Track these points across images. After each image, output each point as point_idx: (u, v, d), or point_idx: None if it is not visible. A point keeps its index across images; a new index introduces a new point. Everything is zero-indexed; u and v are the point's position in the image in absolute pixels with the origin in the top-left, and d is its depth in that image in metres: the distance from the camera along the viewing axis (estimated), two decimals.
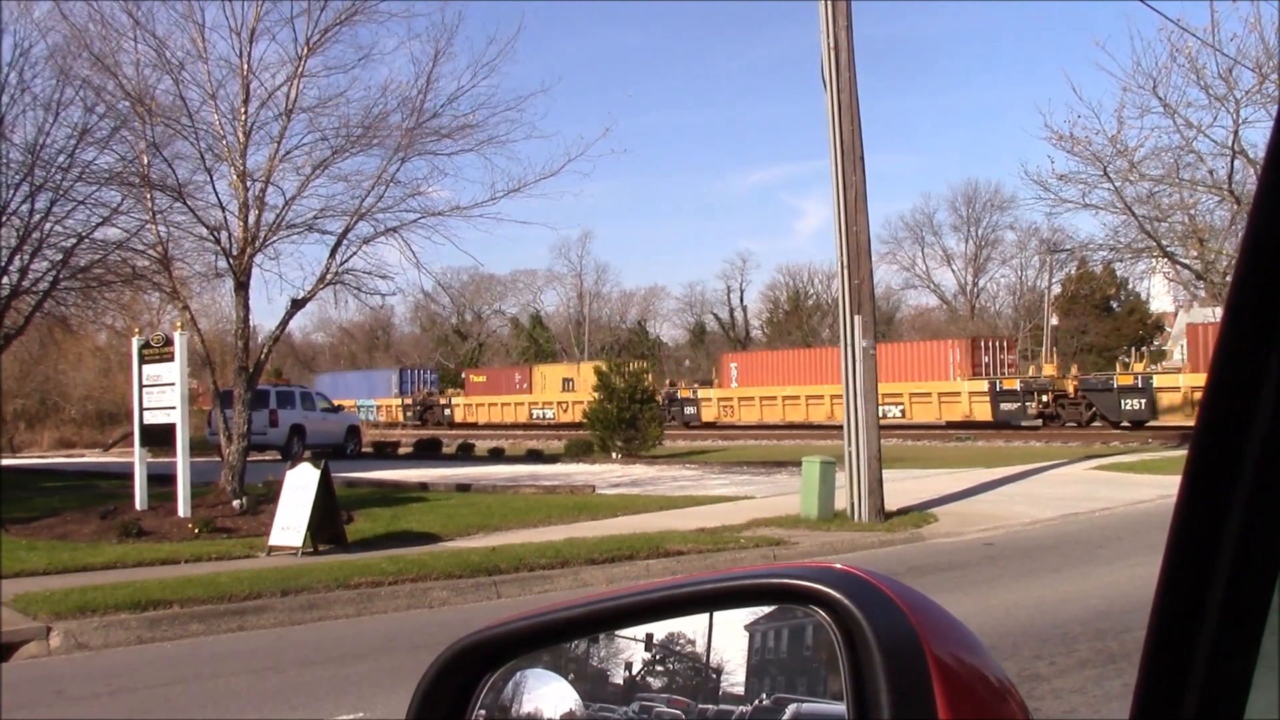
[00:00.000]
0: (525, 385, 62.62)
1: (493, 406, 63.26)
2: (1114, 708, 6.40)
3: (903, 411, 47.59)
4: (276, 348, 23.92)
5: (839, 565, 1.16)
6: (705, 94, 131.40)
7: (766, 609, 1.18)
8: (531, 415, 60.91)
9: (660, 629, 1.26)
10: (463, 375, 71.13)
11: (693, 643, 1.23)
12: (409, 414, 65.81)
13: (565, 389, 60.17)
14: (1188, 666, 0.90)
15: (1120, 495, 18.98)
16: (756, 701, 1.15)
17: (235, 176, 18.55)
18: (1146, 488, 19.56)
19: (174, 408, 17.31)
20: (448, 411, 64.44)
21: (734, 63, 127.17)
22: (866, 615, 1.05)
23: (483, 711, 1.39)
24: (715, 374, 59.57)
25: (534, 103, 22.99)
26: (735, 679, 1.18)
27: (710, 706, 1.18)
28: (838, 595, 1.09)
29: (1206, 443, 0.87)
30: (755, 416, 52.03)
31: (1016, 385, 43.93)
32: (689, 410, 54.21)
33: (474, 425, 61.39)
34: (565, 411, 58.45)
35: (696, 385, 59.36)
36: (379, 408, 68.40)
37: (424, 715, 1.37)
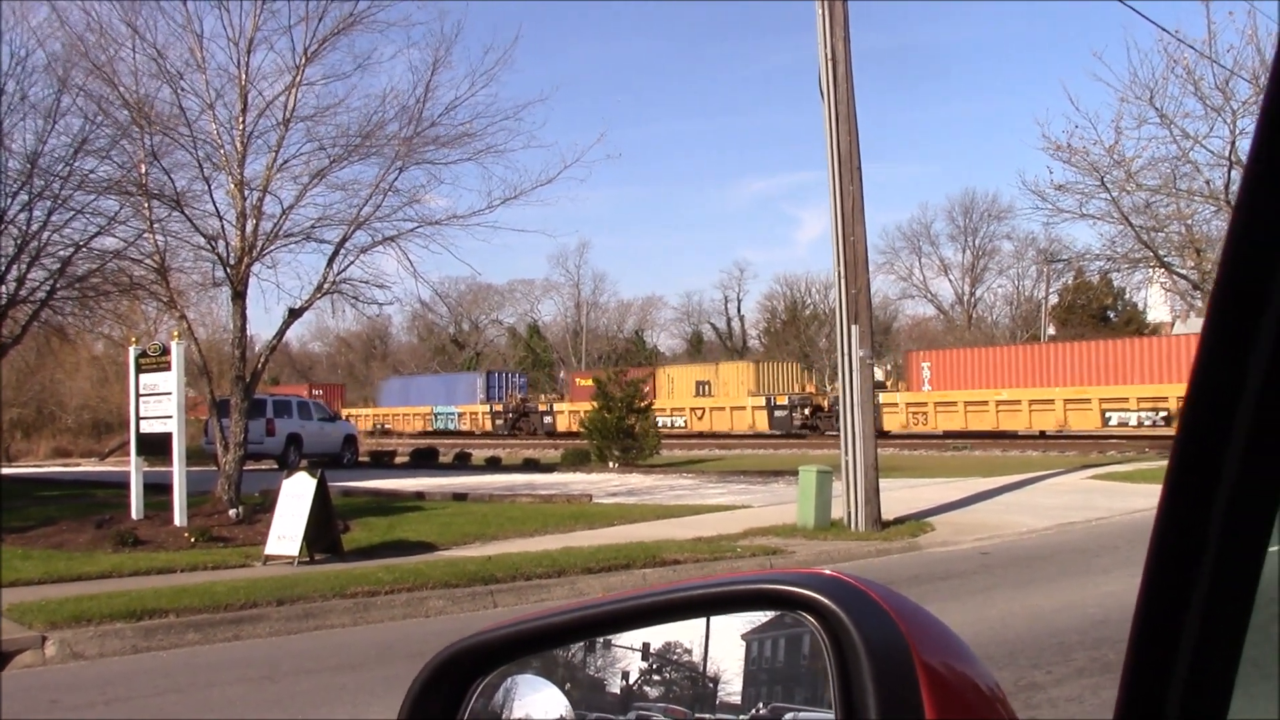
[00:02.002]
0: (651, 391, 56.05)
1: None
2: (1110, 716, 6.38)
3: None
4: (273, 357, 23.89)
5: (828, 571, 1.16)
6: (704, 104, 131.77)
7: (763, 617, 1.18)
8: (657, 424, 55.44)
9: (657, 637, 1.25)
10: (561, 378, 67.38)
11: (689, 651, 1.22)
12: (500, 422, 60.40)
13: (700, 393, 55.82)
14: (1169, 673, 0.90)
15: (1117, 504, 18.98)
16: (754, 711, 1.15)
17: (233, 185, 18.57)
18: (1143, 497, 19.55)
19: (170, 417, 17.28)
20: (548, 419, 58.61)
21: (733, 73, 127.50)
22: (854, 621, 1.05)
23: (472, 717, 1.38)
24: (889, 374, 54.80)
25: (532, 111, 23.19)
26: (732, 688, 1.17)
27: (707, 715, 1.18)
28: (825, 601, 1.08)
29: (1187, 452, 0.87)
30: (957, 424, 44.87)
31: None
32: None
33: (580, 435, 57.18)
34: (700, 419, 54.35)
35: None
36: (461, 415, 63.44)
37: None
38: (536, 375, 78.76)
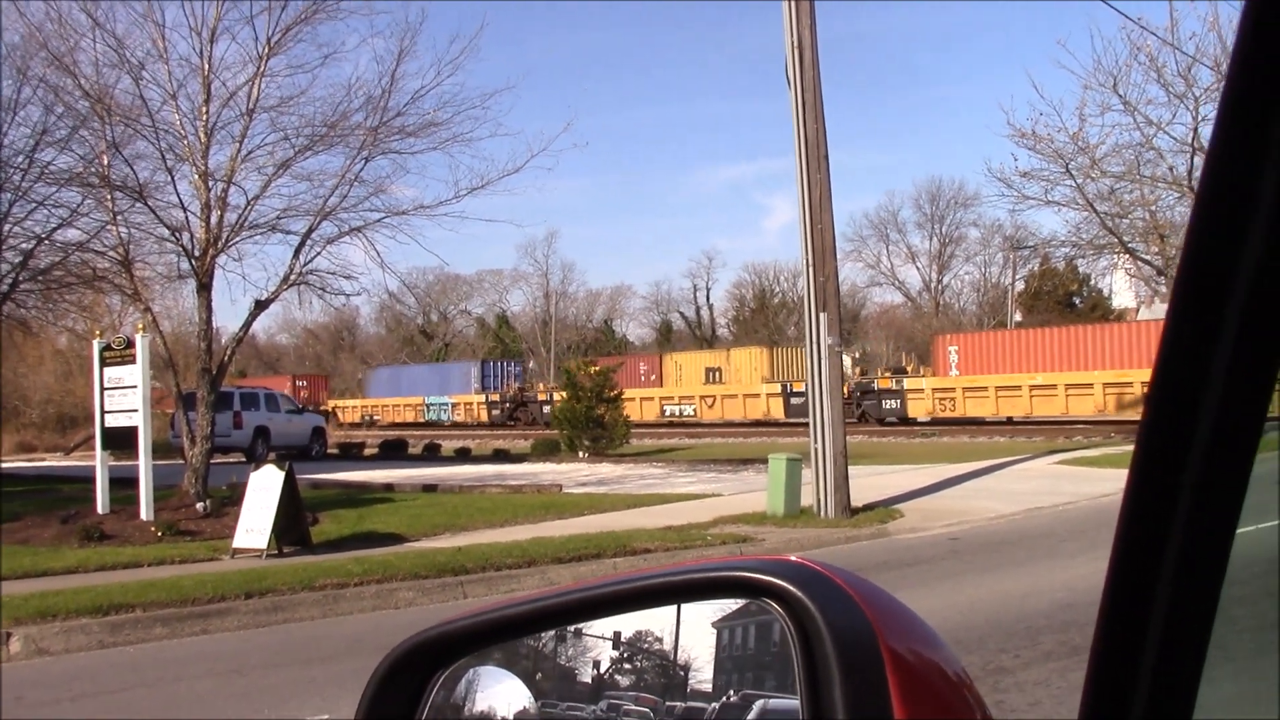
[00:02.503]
0: (654, 378, 55.88)
1: None
2: (1078, 700, 6.44)
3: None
4: (240, 349, 23.73)
5: (795, 558, 1.16)
6: (672, 91, 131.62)
7: (733, 605, 1.18)
8: (664, 412, 53.65)
9: (627, 626, 1.25)
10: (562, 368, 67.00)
11: (660, 640, 1.22)
12: (496, 412, 58.23)
13: (710, 380, 53.69)
14: (1137, 659, 0.90)
15: (1083, 489, 19.14)
16: (725, 699, 1.15)
17: (197, 177, 18.40)
18: (1109, 482, 19.73)
19: (136, 410, 17.15)
20: (547, 409, 54.24)
21: (700, 60, 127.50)
22: (820, 608, 1.05)
23: (433, 714, 1.37)
24: (908, 360, 52.20)
25: (499, 100, 23.08)
26: (703, 676, 1.17)
27: (679, 704, 1.18)
28: (790, 587, 1.08)
29: (1153, 436, 0.87)
30: (988, 409, 43.23)
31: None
32: (889, 404, 45.61)
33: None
34: (711, 407, 52.31)
35: (891, 373, 49.12)
36: (455, 406, 61.42)
37: (373, 715, 1.35)
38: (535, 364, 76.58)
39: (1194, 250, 0.82)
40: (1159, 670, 0.89)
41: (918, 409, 44.73)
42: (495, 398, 59.22)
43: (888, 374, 48.48)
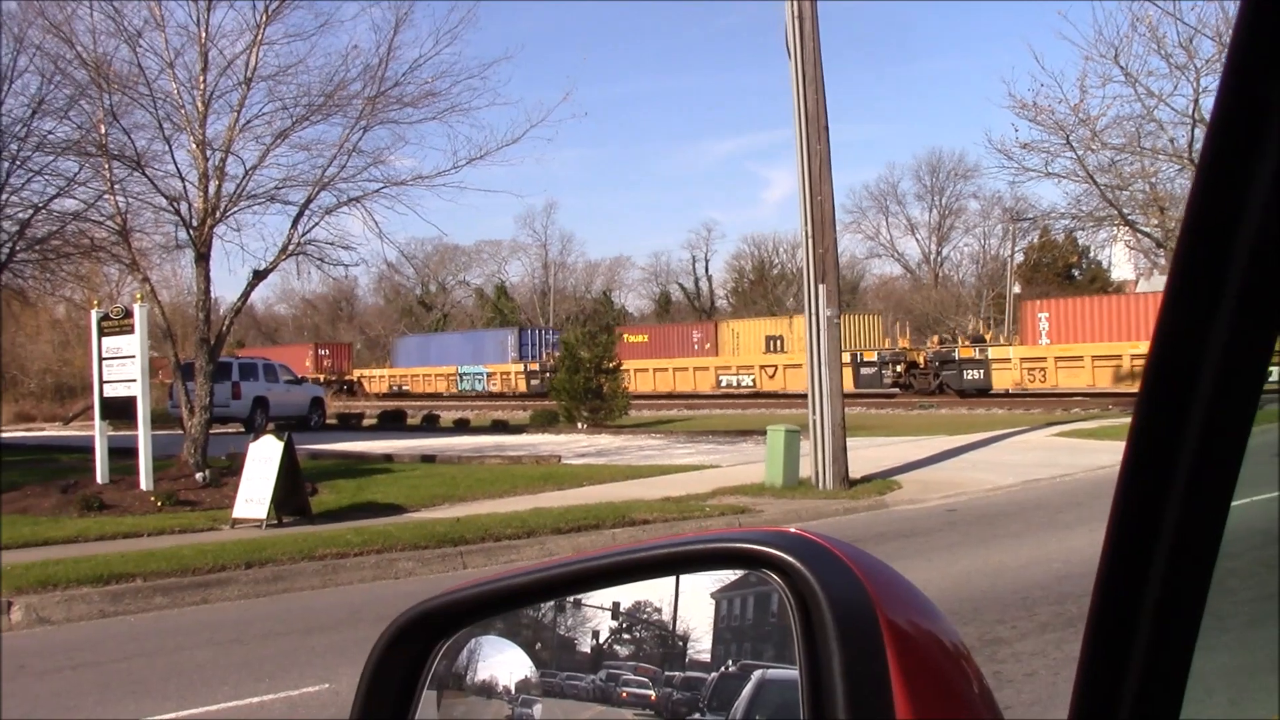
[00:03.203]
0: (709, 346, 52.77)
1: (660, 373, 52.42)
2: (1074, 670, 6.47)
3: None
4: (238, 319, 23.72)
5: (793, 529, 1.16)
6: (671, 61, 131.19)
7: (732, 576, 1.18)
8: (720, 383, 50.53)
9: (626, 597, 1.26)
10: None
11: (659, 611, 1.23)
12: (536, 382, 54.55)
13: (771, 349, 50.17)
14: (1131, 632, 0.91)
15: (1080, 461, 19.18)
16: (723, 669, 1.15)
17: (194, 146, 18.35)
18: (1106, 454, 19.78)
19: (135, 380, 17.15)
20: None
21: (700, 29, 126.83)
22: (819, 579, 1.05)
23: (435, 683, 1.38)
24: (991, 328, 49.83)
25: (497, 70, 22.98)
26: (702, 646, 1.18)
27: (678, 674, 1.19)
28: (790, 559, 1.09)
29: (1149, 411, 0.87)
30: (1083, 380, 40.09)
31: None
32: (971, 374, 42.35)
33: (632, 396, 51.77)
34: (772, 378, 48.69)
35: (971, 341, 46.04)
36: (490, 375, 58.79)
37: (376, 685, 1.36)
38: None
39: (1193, 221, 0.82)
40: (1154, 641, 0.90)
41: (1003, 380, 42.07)
42: (535, 367, 56.35)
43: (969, 342, 45.55)
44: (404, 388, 63.21)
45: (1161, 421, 0.86)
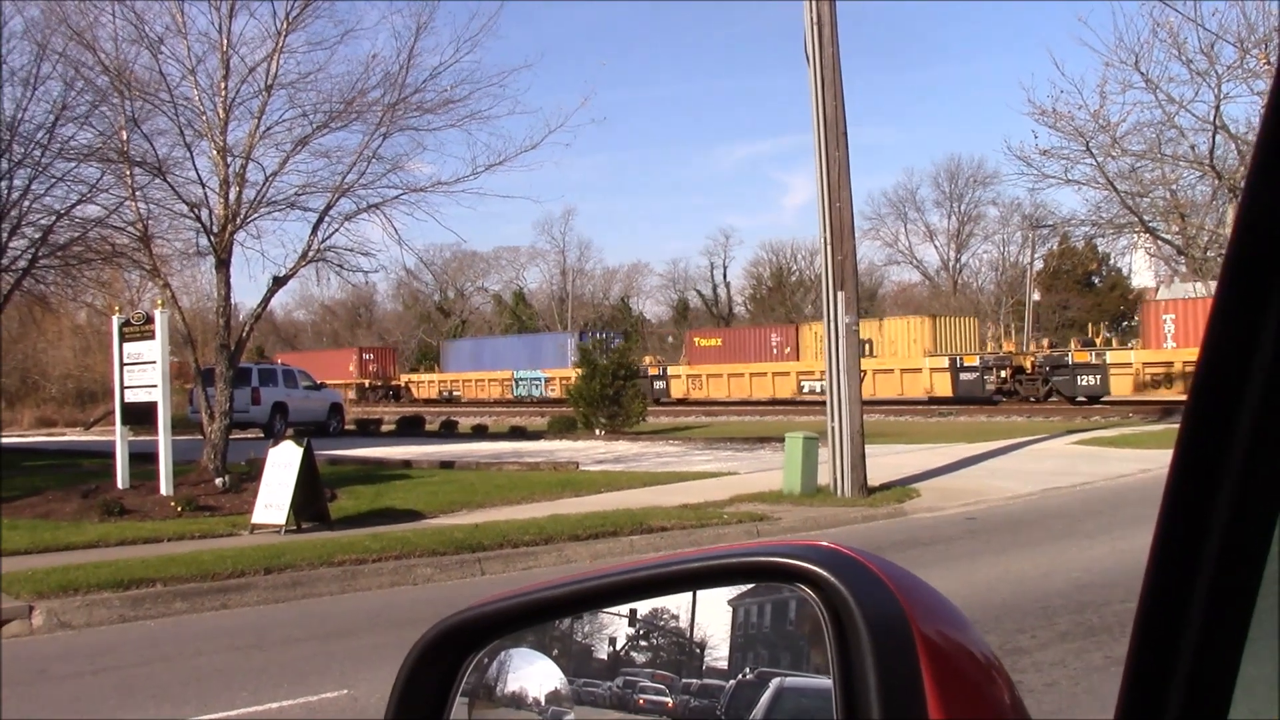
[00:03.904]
0: (789, 350, 49.14)
1: (735, 378, 49.68)
2: (1094, 680, 6.45)
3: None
4: (258, 325, 23.82)
5: (825, 543, 1.16)
6: (690, 67, 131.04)
7: (748, 584, 1.18)
8: (802, 389, 47.05)
9: (644, 605, 1.26)
10: (670, 338, 59.08)
11: (676, 618, 1.23)
12: None
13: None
14: (1176, 645, 0.90)
15: (1100, 470, 19.09)
16: (741, 676, 1.15)
17: (215, 152, 18.44)
18: (1127, 462, 19.69)
19: (155, 386, 17.22)
20: (659, 385, 51.30)
21: (719, 34, 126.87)
22: (854, 593, 1.06)
23: (466, 694, 1.39)
24: (1095, 331, 47.13)
25: (517, 77, 22.99)
26: (719, 654, 1.18)
27: (695, 681, 1.19)
28: (825, 574, 1.09)
29: (1197, 423, 0.87)
30: None
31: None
32: (1085, 380, 40.33)
33: (701, 403, 48.37)
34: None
35: (1082, 344, 44.02)
36: (549, 380, 55.96)
37: (408, 696, 1.37)
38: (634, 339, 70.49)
39: (1243, 230, 0.81)
40: (1200, 651, 0.89)
41: (1122, 386, 39.58)
42: None
43: (1081, 345, 43.37)
44: (454, 393, 61.42)
45: (1209, 433, 0.86)
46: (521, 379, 56.41)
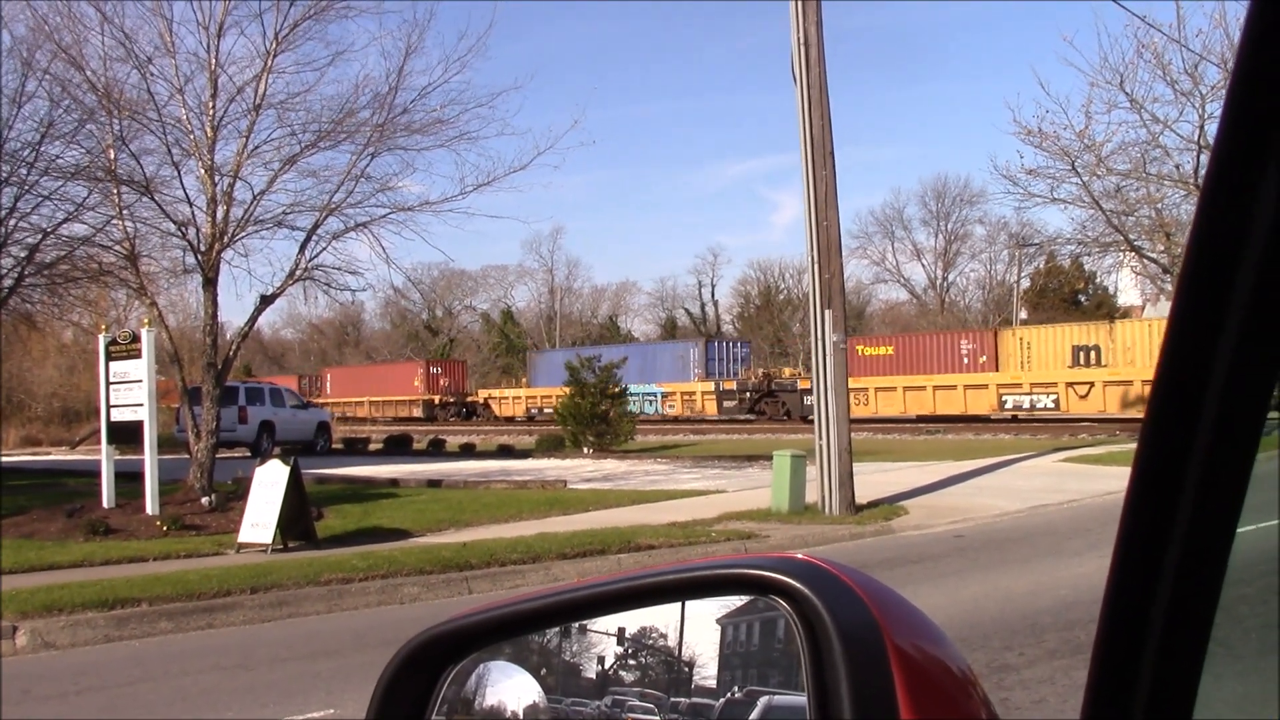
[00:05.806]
0: (984, 360, 43.38)
1: (913, 392, 44.32)
2: (1082, 698, 6.43)
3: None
4: (245, 344, 23.75)
5: (800, 555, 1.16)
6: (678, 87, 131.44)
7: (737, 602, 1.18)
8: (1003, 403, 42.07)
9: (632, 622, 1.26)
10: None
11: (665, 636, 1.23)
12: (731, 403, 47.95)
13: (1080, 362, 40.86)
14: (1138, 659, 0.91)
15: (1088, 487, 19.12)
16: (729, 695, 1.15)
17: (203, 171, 18.42)
18: (1114, 479, 19.70)
19: (142, 405, 17.16)
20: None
21: (707, 54, 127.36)
22: (827, 605, 1.06)
23: (444, 708, 1.38)
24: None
25: (506, 99, 23.01)
26: (708, 672, 1.18)
27: (683, 700, 1.18)
28: (798, 585, 1.09)
29: (1154, 438, 0.87)
30: None
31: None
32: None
33: (871, 420, 42.14)
34: (1084, 398, 39.79)
35: None
36: (667, 396, 51.57)
37: (386, 709, 1.36)
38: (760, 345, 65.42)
39: (1197, 248, 0.82)
40: (1160, 667, 0.90)
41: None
42: (730, 385, 49.18)
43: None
44: (545, 410, 53.21)
45: (1167, 448, 0.86)
46: (633, 394, 47.26)
